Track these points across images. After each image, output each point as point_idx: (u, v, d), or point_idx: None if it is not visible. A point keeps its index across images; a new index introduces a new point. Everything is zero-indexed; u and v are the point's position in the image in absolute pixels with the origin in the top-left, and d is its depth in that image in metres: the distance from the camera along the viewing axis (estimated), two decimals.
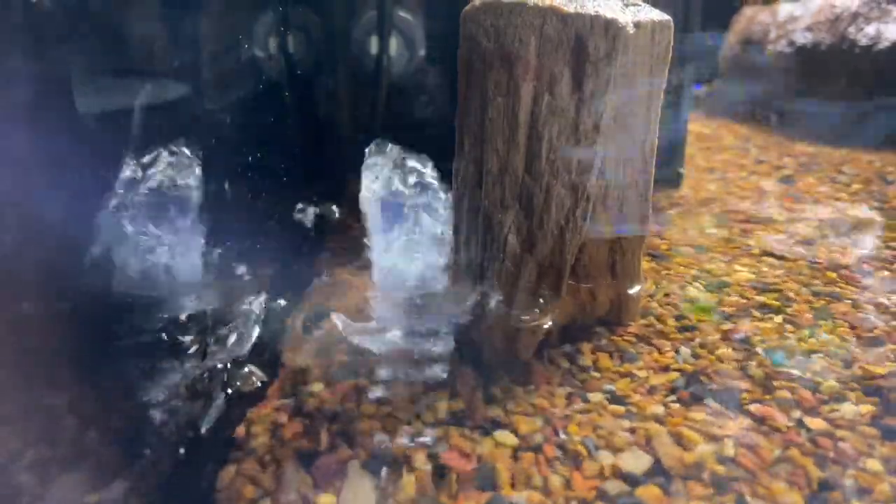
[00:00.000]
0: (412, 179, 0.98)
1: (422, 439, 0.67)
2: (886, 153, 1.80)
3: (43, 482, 0.61)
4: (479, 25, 0.78)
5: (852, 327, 0.88)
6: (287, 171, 1.26)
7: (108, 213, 0.95)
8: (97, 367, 0.79)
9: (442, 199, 1.00)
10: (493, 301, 0.85)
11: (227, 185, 1.10)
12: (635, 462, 0.64)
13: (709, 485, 0.61)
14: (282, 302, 0.95)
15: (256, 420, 0.71)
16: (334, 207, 1.25)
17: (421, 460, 0.64)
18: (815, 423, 0.69)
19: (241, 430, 0.69)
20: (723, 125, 2.29)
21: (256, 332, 0.86)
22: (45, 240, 0.79)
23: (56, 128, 0.85)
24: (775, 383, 0.76)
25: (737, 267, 1.09)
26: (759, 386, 0.76)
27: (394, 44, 1.30)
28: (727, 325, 0.90)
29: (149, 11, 1.08)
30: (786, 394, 0.74)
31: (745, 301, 0.97)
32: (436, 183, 0.99)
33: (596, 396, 0.75)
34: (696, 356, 0.83)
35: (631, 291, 0.91)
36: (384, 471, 0.63)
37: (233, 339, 0.84)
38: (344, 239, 1.15)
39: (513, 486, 0.62)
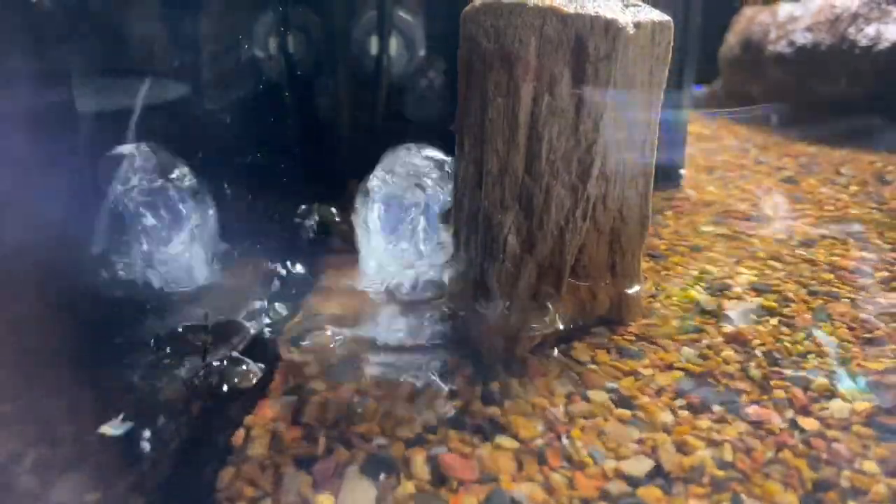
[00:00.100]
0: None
1: (421, 440, 0.67)
2: (886, 154, 1.80)
3: (43, 482, 0.61)
4: (479, 26, 0.78)
5: (850, 328, 0.89)
6: (287, 172, 1.26)
7: (104, 213, 0.95)
8: (97, 367, 0.79)
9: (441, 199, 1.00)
10: (493, 301, 0.85)
11: (226, 186, 1.10)
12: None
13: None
14: (281, 301, 0.95)
15: (256, 421, 0.71)
16: (333, 209, 1.25)
17: (420, 462, 0.64)
18: (808, 423, 0.70)
19: (240, 431, 0.69)
20: (723, 125, 2.29)
21: (256, 331, 0.86)
22: (42, 239, 0.79)
23: (56, 128, 0.85)
24: (772, 383, 0.76)
25: (737, 268, 1.09)
26: (758, 386, 0.76)
27: (394, 44, 1.30)
28: (727, 327, 0.90)
29: (149, 11, 1.08)
30: (781, 393, 0.75)
31: (744, 302, 0.97)
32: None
33: (598, 395, 0.75)
34: (700, 356, 0.83)
35: (631, 291, 0.91)
36: (382, 474, 0.63)
37: (232, 338, 0.84)
38: (344, 239, 1.15)
39: (513, 482, 0.62)
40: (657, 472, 0.63)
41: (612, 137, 0.81)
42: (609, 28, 0.75)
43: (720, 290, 1.00)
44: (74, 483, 0.61)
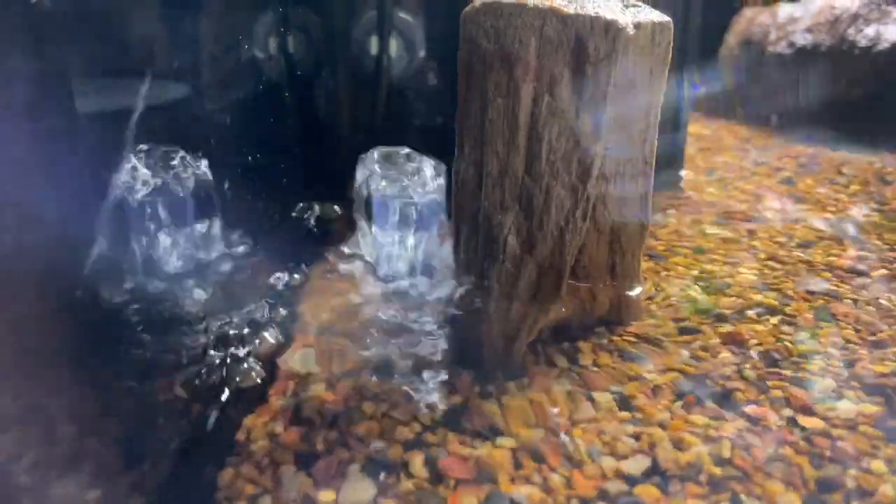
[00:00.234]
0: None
1: (420, 441, 0.67)
2: (886, 154, 1.80)
3: (43, 483, 0.61)
4: (479, 27, 0.78)
5: (855, 329, 0.89)
6: (287, 172, 1.26)
7: (105, 213, 0.95)
8: (97, 367, 0.79)
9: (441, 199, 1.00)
10: (493, 302, 0.85)
11: (226, 186, 1.10)
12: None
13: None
14: (282, 301, 0.95)
15: (255, 422, 0.71)
16: (336, 208, 1.25)
17: (419, 464, 0.64)
18: (811, 422, 0.70)
19: (240, 431, 0.69)
20: (722, 126, 2.29)
21: (255, 331, 0.86)
22: (43, 238, 0.79)
23: (55, 128, 0.85)
24: (769, 383, 0.77)
25: (737, 268, 1.09)
26: (754, 386, 0.76)
27: (394, 44, 1.30)
28: (727, 327, 0.90)
29: (149, 11, 1.08)
30: (778, 393, 0.75)
31: (744, 302, 0.97)
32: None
33: (598, 395, 0.75)
34: (696, 358, 0.83)
35: (631, 292, 0.92)
36: (382, 473, 0.63)
37: (232, 338, 0.84)
38: (344, 239, 1.15)
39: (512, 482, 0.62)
40: (653, 471, 0.63)
41: (612, 138, 0.81)
42: (609, 29, 0.75)
43: (720, 290, 1.00)
44: (74, 483, 0.61)
